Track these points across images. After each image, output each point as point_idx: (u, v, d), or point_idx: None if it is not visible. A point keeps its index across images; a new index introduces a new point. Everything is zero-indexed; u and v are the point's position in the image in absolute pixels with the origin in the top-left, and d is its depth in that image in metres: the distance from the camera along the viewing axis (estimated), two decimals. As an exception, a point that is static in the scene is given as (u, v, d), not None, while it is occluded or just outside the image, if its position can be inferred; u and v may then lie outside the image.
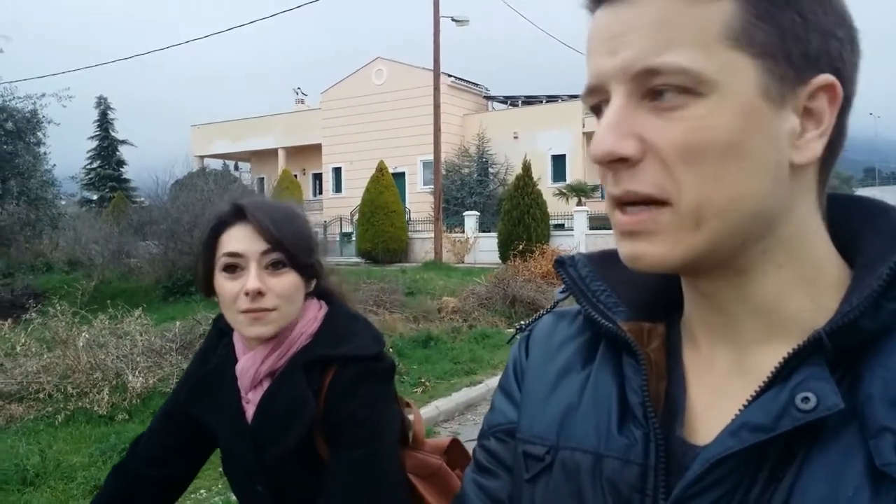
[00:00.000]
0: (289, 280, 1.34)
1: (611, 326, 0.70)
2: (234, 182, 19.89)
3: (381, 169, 21.92)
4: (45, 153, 12.34)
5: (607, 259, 0.76)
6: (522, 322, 0.87)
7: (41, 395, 6.11)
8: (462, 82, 31.75)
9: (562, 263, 0.77)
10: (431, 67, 20.17)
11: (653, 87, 0.58)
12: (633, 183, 0.59)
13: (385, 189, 21.48)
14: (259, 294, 1.31)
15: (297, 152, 34.79)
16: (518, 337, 0.86)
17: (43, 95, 12.04)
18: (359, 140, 31.10)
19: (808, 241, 0.62)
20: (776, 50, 0.57)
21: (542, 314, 0.84)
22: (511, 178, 22.55)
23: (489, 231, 21.96)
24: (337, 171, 32.82)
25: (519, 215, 18.70)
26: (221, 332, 1.48)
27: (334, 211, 29.25)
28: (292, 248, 1.33)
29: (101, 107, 35.94)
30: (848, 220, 0.65)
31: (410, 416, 1.51)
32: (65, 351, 6.56)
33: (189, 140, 38.04)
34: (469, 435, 5.85)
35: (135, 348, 7.02)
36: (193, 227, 14.38)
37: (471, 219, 22.71)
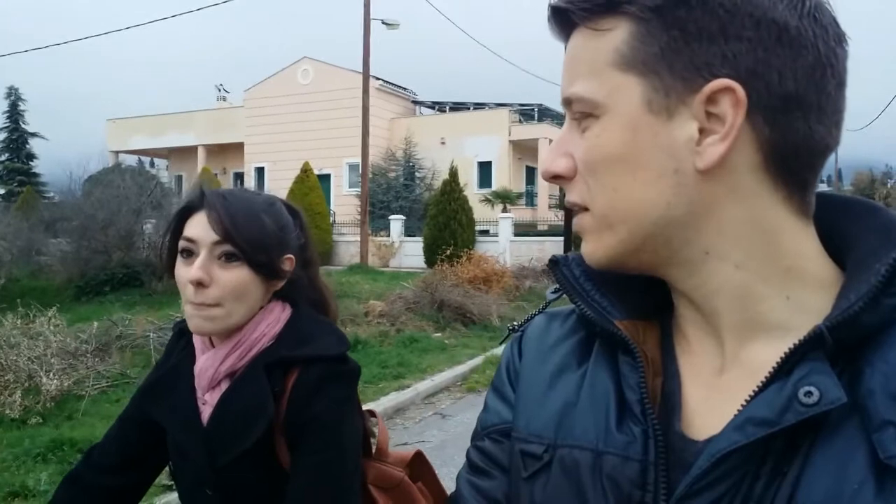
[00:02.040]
0: (238, 274, 1.28)
1: (606, 325, 0.71)
2: (151, 179, 19.21)
3: (305, 170, 21.66)
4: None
5: None
6: (515, 323, 0.87)
7: (-54, 398, 5.76)
8: (390, 86, 31.71)
9: (556, 263, 0.78)
10: (359, 69, 20.07)
11: (574, 113, 0.67)
12: (570, 195, 0.69)
13: (310, 190, 21.23)
14: (201, 285, 1.26)
15: (218, 150, 33.97)
16: (511, 338, 0.87)
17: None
18: (283, 140, 30.63)
19: (772, 240, 0.63)
20: (657, 66, 0.61)
21: (534, 315, 0.85)
22: (438, 184, 22.67)
23: (415, 235, 21.98)
24: (260, 170, 32.23)
25: (445, 220, 18.79)
26: (182, 332, 1.44)
27: (257, 211, 28.67)
28: (244, 242, 1.27)
29: (12, 97, 34.27)
30: (838, 220, 0.67)
31: (375, 426, 1.48)
32: (-28, 352, 6.21)
33: (104, 134, 36.62)
34: (398, 440, 5.85)
35: (48, 349, 6.72)
36: (108, 225, 13.85)
37: (397, 223, 22.68)
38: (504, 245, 20.16)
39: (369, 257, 19.87)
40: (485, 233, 21.93)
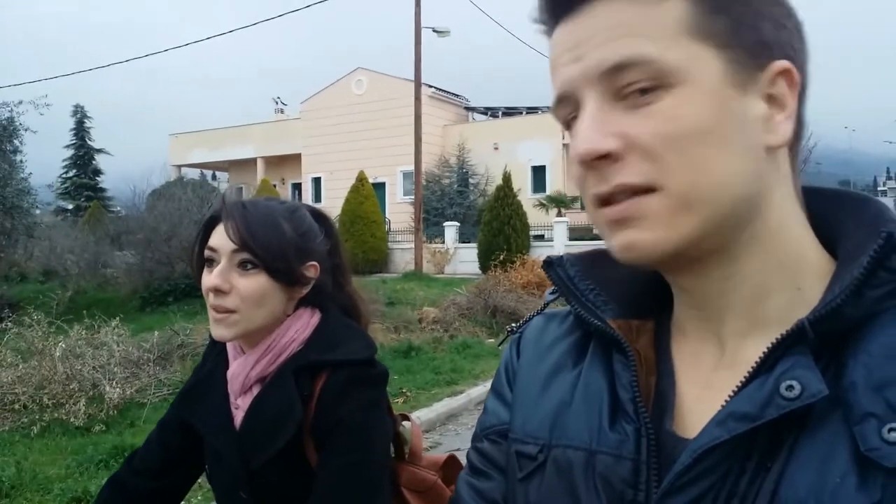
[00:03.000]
0: (256, 282, 1.31)
1: (600, 324, 0.71)
2: (212, 192, 19.74)
3: (361, 179, 21.89)
4: (21, 161, 12.15)
5: (595, 258, 0.77)
6: (513, 324, 0.87)
7: (16, 406, 6.02)
8: (443, 93, 31.85)
9: (550, 264, 0.78)
10: (412, 78, 20.20)
11: (623, 86, 0.60)
12: (622, 176, 0.60)
13: (365, 199, 21.45)
14: (220, 291, 1.29)
15: (276, 162, 34.64)
16: (509, 339, 0.87)
17: (20, 103, 11.89)
18: (339, 150, 31.04)
19: (790, 226, 0.64)
20: (732, 39, 0.60)
21: (533, 315, 0.86)
22: (491, 189, 22.61)
23: (469, 242, 21.98)
24: (317, 181, 32.72)
25: (499, 226, 18.74)
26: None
27: (314, 221, 29.09)
28: (261, 250, 1.30)
29: (78, 115, 35.62)
30: (831, 213, 0.67)
31: (408, 428, 1.49)
32: (41, 361, 6.47)
33: (167, 149, 37.75)
34: (450, 446, 5.85)
35: (112, 359, 6.95)
36: (171, 237, 14.26)
37: (451, 229, 22.73)
38: (559, 249, 19.96)
39: (424, 264, 19.94)
40: (539, 237, 21.78)
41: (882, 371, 0.55)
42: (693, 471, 0.58)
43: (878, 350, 0.56)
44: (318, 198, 32.22)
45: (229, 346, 1.41)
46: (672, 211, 0.59)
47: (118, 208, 28.22)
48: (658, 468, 0.63)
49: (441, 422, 6.75)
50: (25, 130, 11.93)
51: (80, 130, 35.59)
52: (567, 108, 0.65)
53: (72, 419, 5.83)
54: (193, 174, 35.95)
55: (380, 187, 28.22)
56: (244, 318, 1.31)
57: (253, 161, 34.94)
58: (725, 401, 0.60)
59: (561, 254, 0.80)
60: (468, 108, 34.12)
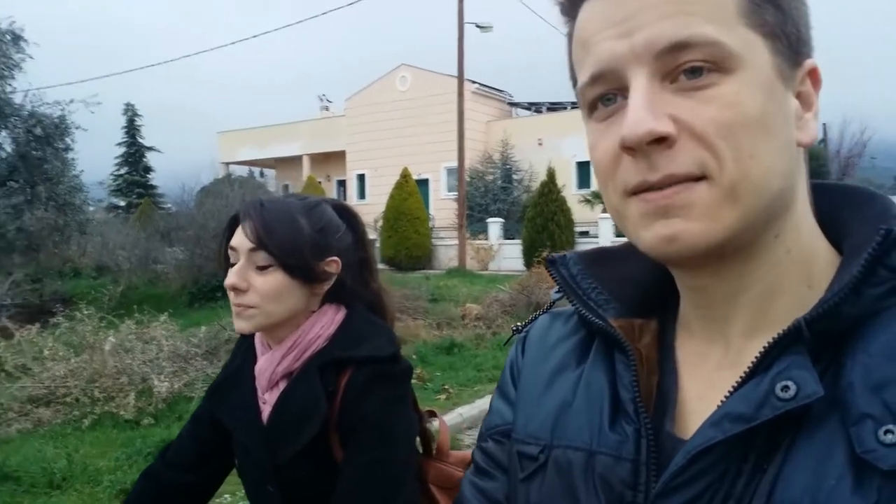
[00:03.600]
0: (274, 279, 1.33)
1: (601, 324, 0.70)
2: (258, 188, 20.04)
3: (405, 175, 21.97)
4: (73, 159, 12.49)
5: (599, 257, 0.76)
6: (518, 324, 0.87)
7: (68, 400, 6.18)
8: (486, 89, 31.76)
9: (553, 263, 0.77)
10: (455, 74, 20.20)
11: (677, 66, 0.56)
12: (673, 165, 0.56)
13: (409, 196, 21.52)
14: (239, 290, 1.32)
15: (321, 159, 35.00)
16: (515, 339, 0.87)
17: (71, 101, 12.19)
18: (383, 146, 31.21)
19: (806, 223, 0.63)
20: (781, 31, 0.58)
21: (538, 315, 0.85)
22: (535, 185, 22.49)
23: (513, 238, 21.89)
24: (361, 177, 32.96)
25: (543, 222, 18.62)
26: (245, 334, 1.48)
27: (358, 217, 29.33)
28: (276, 249, 1.32)
29: (129, 113, 36.41)
30: (837, 209, 0.65)
31: (436, 425, 1.49)
32: (91, 355, 6.63)
33: (215, 147, 38.44)
34: (493, 443, 5.82)
35: (161, 353, 7.10)
36: (219, 234, 14.41)
37: (495, 226, 22.66)
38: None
39: (468, 260, 19.94)
40: (584, 234, 21.57)
41: (881, 371, 0.53)
42: (687, 472, 0.57)
43: (878, 350, 0.54)
44: (362, 194, 32.47)
45: (257, 342, 1.43)
46: (720, 202, 0.56)
47: (168, 205, 28.81)
48: (657, 469, 0.62)
49: (483, 418, 6.72)
50: (76, 128, 12.23)
51: (131, 128, 36.39)
52: (601, 86, 0.61)
53: (121, 412, 5.96)
54: (242, 171, 36.52)
55: (423, 184, 28.31)
56: (262, 313, 1.33)
57: (299, 158, 35.36)
58: (721, 401, 0.59)
59: (564, 252, 0.79)
60: (512, 104, 33.97)
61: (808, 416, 0.55)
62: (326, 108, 37.51)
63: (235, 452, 1.45)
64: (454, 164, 21.81)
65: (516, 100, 34.24)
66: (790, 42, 0.59)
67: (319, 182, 28.76)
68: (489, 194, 28.36)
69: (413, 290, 11.62)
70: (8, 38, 11.54)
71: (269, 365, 1.37)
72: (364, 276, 1.46)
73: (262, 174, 38.85)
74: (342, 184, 34.24)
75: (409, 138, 30.39)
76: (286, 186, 35.16)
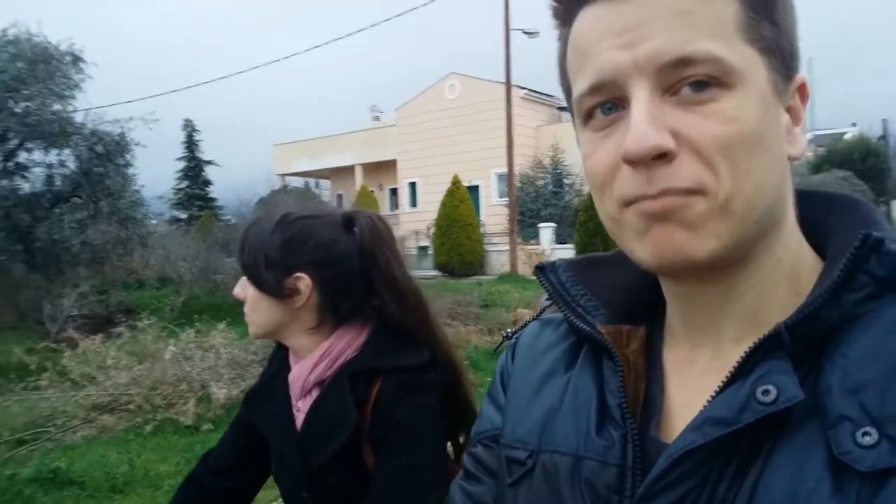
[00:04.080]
0: (252, 293, 1.42)
1: (589, 330, 0.71)
2: (312, 199, 20.36)
3: (455, 182, 22.03)
4: (133, 174, 12.92)
5: (589, 264, 0.77)
6: (509, 330, 0.88)
7: (131, 407, 6.39)
8: (534, 94, 31.63)
9: (542, 269, 0.78)
10: (503, 80, 20.19)
11: (679, 80, 0.57)
12: (672, 179, 0.57)
13: (460, 202, 21.57)
14: (239, 299, 1.45)
15: (373, 168, 35.33)
16: (506, 345, 0.88)
17: (130, 119, 12.62)
18: (433, 154, 31.35)
19: (794, 233, 0.64)
20: (776, 46, 0.59)
21: (529, 321, 0.86)
22: (587, 190, 22.20)
23: (565, 243, 21.71)
24: (412, 185, 33.15)
25: (595, 227, 18.40)
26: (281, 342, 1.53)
27: (411, 225, 29.53)
28: (242, 264, 1.42)
29: (188, 129, 37.35)
30: (823, 217, 0.66)
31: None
32: (153, 364, 6.84)
33: (271, 159, 39.16)
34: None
35: (219, 361, 7.26)
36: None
37: (546, 231, 22.54)
38: (658, 249, 19.39)
39: (520, 266, 19.85)
40: (638, 237, 21.23)
41: (858, 375, 0.54)
42: (670, 476, 0.58)
43: (856, 354, 0.55)
44: (414, 202, 32.66)
45: (291, 351, 1.47)
46: (714, 216, 0.57)
47: (227, 217, 29.50)
48: (643, 474, 0.62)
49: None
50: (136, 145, 12.68)
51: (190, 143, 37.31)
52: (600, 96, 0.60)
53: (181, 419, 6.14)
54: (297, 182, 37.13)
55: (474, 190, 28.30)
56: (252, 322, 1.43)
57: (351, 168, 35.76)
58: (704, 405, 0.59)
59: (554, 260, 0.80)
60: (561, 108, 33.69)
61: (789, 420, 0.55)
62: (377, 118, 37.88)
63: (271, 458, 1.49)
64: (504, 169, 21.79)
65: (565, 104, 33.94)
66: (784, 57, 0.60)
67: (372, 191, 29.04)
68: (540, 199, 28.19)
69: (465, 296, 11.65)
70: (68, 59, 12.01)
71: (301, 373, 1.41)
72: (375, 287, 1.40)
73: (317, 185, 39.42)
74: (394, 192, 34.50)
75: (459, 145, 30.45)
76: (339, 196, 35.61)
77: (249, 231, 1.43)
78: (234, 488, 1.56)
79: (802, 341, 0.57)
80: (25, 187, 12.68)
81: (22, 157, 12.65)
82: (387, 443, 1.31)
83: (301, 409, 1.41)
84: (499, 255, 21.93)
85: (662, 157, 0.56)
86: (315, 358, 1.40)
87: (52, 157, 12.55)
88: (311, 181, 39.79)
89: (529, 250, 21.56)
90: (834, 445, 0.52)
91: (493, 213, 28.92)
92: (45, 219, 11.48)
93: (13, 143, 12.27)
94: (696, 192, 0.57)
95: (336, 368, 1.39)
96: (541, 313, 0.84)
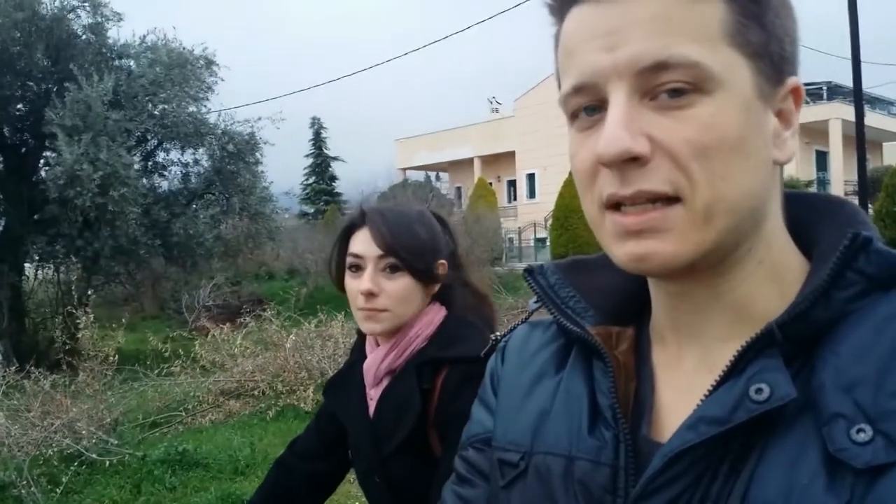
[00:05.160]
0: (402, 283, 1.41)
1: (579, 331, 0.71)
2: (430, 191, 20.69)
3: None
4: (262, 171, 13.53)
5: (577, 266, 0.77)
6: (498, 334, 0.88)
7: (255, 393, 6.74)
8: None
9: (530, 272, 0.78)
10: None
11: (657, 84, 0.57)
12: (646, 182, 0.57)
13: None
14: (372, 294, 1.39)
15: (492, 160, 35.44)
16: (496, 348, 0.88)
17: (259, 119, 13.22)
18: (552, 145, 31.00)
19: (779, 236, 0.64)
20: (764, 50, 0.59)
21: (518, 325, 0.86)
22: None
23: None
24: (531, 177, 33.00)
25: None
26: (360, 332, 1.56)
27: (528, 216, 29.42)
28: (405, 254, 1.40)
29: (315, 127, 38.83)
30: (808, 218, 0.66)
31: None
32: (276, 352, 7.18)
33: (393, 153, 40.09)
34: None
35: (338, 350, 7.53)
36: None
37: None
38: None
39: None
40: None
41: (850, 372, 0.55)
42: (665, 475, 0.58)
43: (847, 351, 0.56)
44: (532, 194, 32.51)
45: (368, 341, 1.51)
46: (693, 224, 0.57)
47: (351, 211, 30.44)
48: (636, 473, 0.62)
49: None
50: (264, 143, 13.26)
51: (318, 140, 38.77)
52: (582, 98, 0.61)
53: (301, 404, 6.42)
54: (418, 176, 37.81)
55: (595, 180, 27.79)
56: (394, 315, 1.41)
57: (470, 161, 36.03)
58: (697, 405, 0.59)
59: (542, 262, 0.80)
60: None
61: (782, 418, 0.56)
62: (496, 111, 37.90)
63: (349, 445, 1.55)
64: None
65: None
66: (773, 61, 0.59)
67: (490, 183, 29.13)
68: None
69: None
70: (201, 63, 12.72)
71: (374, 363, 1.45)
72: (460, 276, 1.53)
73: (437, 177, 39.98)
74: (512, 184, 34.47)
75: (579, 135, 30.01)
76: (458, 189, 35.96)
77: (392, 224, 1.42)
78: (320, 472, 1.62)
79: (793, 340, 0.57)
80: (163, 185, 13.60)
81: (160, 156, 13.59)
82: (450, 431, 1.32)
83: (373, 397, 1.46)
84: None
85: (636, 160, 0.57)
86: (386, 347, 1.44)
87: (188, 156, 13.39)
88: (432, 174, 40.41)
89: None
90: (829, 442, 0.53)
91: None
92: (181, 215, 12.24)
93: (152, 143, 13.20)
94: (672, 198, 0.57)
95: (405, 358, 1.43)
96: (529, 316, 0.84)
